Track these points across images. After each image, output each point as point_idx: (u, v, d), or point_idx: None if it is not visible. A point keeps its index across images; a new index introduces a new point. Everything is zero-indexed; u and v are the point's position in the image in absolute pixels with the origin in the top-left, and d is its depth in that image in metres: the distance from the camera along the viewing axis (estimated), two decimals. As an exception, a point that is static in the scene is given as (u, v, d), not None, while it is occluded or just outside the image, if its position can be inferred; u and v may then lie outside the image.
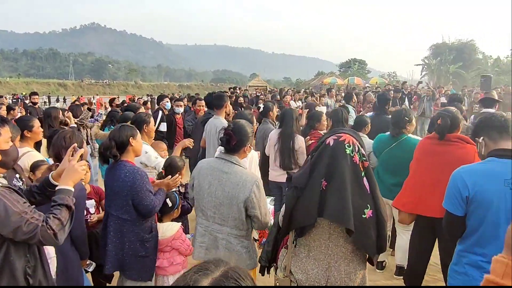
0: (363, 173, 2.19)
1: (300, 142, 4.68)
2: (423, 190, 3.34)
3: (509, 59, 45.63)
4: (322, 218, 2.17)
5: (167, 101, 7.74)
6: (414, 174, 3.47)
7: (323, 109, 8.51)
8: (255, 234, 2.88)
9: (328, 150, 2.21)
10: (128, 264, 2.92)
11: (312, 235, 2.25)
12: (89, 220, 3.28)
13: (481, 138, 2.26)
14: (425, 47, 50.32)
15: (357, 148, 2.21)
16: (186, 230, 3.74)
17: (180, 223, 3.38)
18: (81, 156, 2.27)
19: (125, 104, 9.18)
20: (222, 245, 2.67)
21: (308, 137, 4.92)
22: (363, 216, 2.13)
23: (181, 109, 7.45)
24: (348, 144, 2.19)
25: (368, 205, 2.15)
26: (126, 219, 2.89)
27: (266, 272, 2.57)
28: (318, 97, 13.03)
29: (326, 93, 12.03)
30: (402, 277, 4.20)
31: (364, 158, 2.22)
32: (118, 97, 12.04)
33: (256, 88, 23.86)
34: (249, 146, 2.77)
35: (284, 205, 2.37)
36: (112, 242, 2.91)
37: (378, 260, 4.34)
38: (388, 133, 4.27)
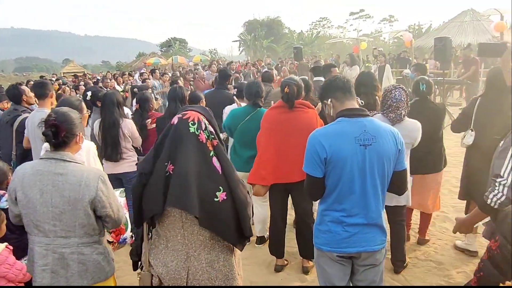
0: (212, 153, 2.05)
1: (129, 125, 4.26)
2: (279, 159, 3.47)
3: (309, 32, 51.96)
4: None
5: None
6: (267, 146, 3.55)
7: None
8: (108, 237, 2.52)
9: (172, 130, 2.03)
10: None
11: (166, 225, 2.08)
12: None
13: (329, 100, 2.35)
14: (239, 24, 53.00)
15: (204, 126, 2.06)
16: None
17: (5, 243, 2.69)
18: None
19: None
20: (74, 261, 2.23)
21: (149, 120, 4.58)
22: (215, 199, 2.01)
23: None
24: (192, 122, 2.02)
25: (220, 187, 2.03)
26: None
27: (138, 267, 2.29)
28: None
29: (151, 74, 11.48)
30: (262, 244, 4.37)
31: (213, 136, 2.08)
32: None
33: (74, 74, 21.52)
34: (81, 136, 2.37)
35: None
36: None
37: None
38: (242, 106, 4.29)
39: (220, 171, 2.05)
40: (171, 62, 28.00)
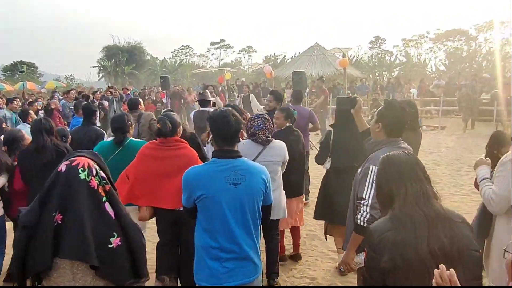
0: (104, 198, 2.02)
1: None
2: (153, 187, 3.39)
3: (172, 60, 52.05)
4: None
5: None
6: (143, 171, 3.44)
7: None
8: None
9: (61, 178, 1.94)
10: None
11: (54, 279, 1.93)
12: None
13: (211, 136, 2.51)
14: (98, 49, 50.18)
15: (94, 172, 2.01)
16: None
17: None
18: None
19: None
20: None
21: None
22: (110, 246, 1.97)
23: None
24: (82, 169, 1.97)
25: (114, 233, 2.00)
26: None
27: None
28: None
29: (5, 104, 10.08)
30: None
31: (105, 181, 2.05)
32: None
33: None
34: None
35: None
36: None
37: None
38: (109, 140, 4.12)
39: (113, 217, 2.01)
40: (18, 88, 25.11)
